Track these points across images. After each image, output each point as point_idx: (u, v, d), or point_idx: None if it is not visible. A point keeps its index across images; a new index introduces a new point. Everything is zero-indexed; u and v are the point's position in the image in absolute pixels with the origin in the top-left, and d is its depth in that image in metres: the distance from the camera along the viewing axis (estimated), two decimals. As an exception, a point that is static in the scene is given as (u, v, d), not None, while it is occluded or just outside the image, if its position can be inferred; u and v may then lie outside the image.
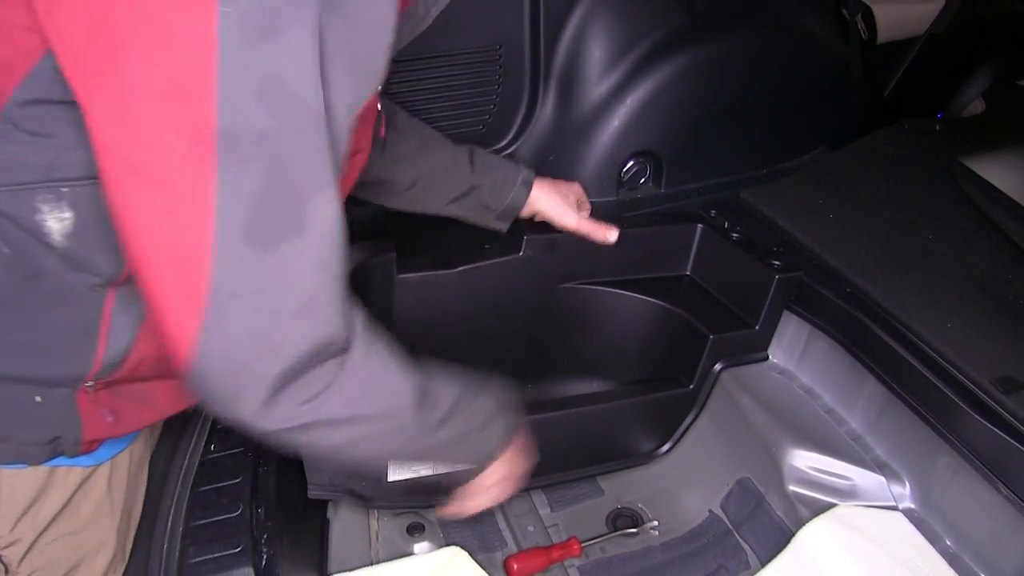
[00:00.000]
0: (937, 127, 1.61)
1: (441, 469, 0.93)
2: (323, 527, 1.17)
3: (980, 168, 1.47)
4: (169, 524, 0.88)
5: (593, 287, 1.43)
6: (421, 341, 1.34)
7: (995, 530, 1.05)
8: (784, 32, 1.55)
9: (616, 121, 1.45)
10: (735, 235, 1.40)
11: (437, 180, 1.24)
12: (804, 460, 1.23)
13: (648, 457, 1.43)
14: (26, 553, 0.92)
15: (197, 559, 0.82)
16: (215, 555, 0.82)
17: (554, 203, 1.30)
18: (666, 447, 1.43)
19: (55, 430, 0.84)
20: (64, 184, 0.72)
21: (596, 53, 1.43)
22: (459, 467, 0.95)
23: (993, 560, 1.06)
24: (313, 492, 1.13)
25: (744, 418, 1.34)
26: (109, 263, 0.78)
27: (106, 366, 0.83)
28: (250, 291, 0.64)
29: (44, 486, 0.90)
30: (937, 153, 1.52)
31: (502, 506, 1.39)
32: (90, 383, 0.84)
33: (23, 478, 0.88)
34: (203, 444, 0.99)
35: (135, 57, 0.58)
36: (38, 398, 0.83)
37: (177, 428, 1.07)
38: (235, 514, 0.86)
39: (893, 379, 1.17)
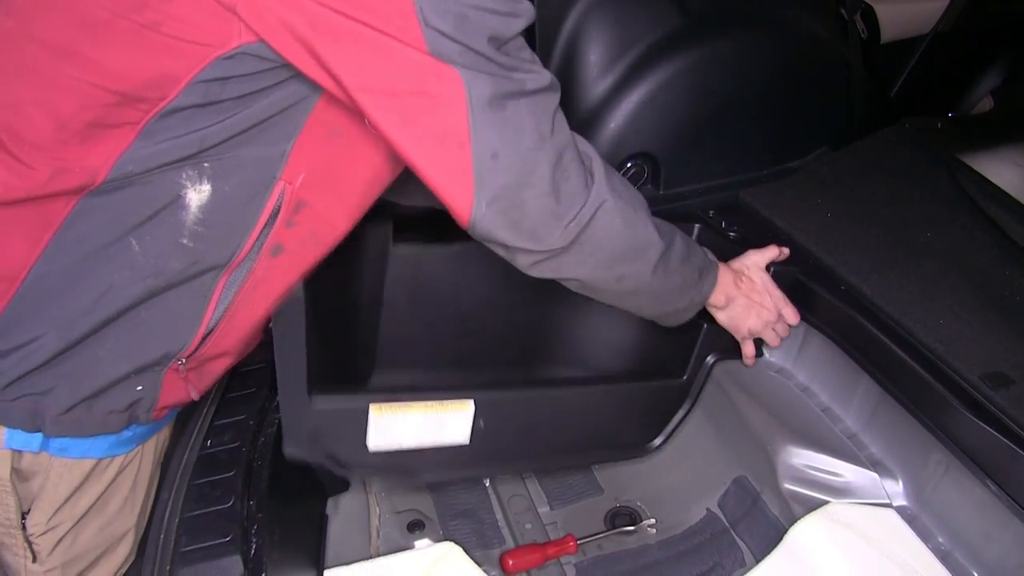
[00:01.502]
0: (939, 125, 1.61)
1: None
2: (321, 522, 1.20)
3: (981, 165, 1.46)
4: (166, 515, 0.92)
5: None
6: (409, 314, 1.38)
7: (986, 526, 1.05)
8: (781, 32, 1.56)
9: (613, 123, 1.47)
10: (732, 234, 1.41)
11: None
12: (799, 458, 1.23)
13: (640, 451, 1.43)
14: (59, 541, 0.97)
15: (189, 547, 0.86)
16: (206, 544, 0.86)
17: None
18: (658, 440, 1.42)
19: (137, 395, 0.92)
20: (207, 158, 0.81)
21: (592, 56, 1.45)
22: (676, 315, 1.13)
23: (984, 556, 1.05)
24: (290, 451, 1.10)
25: (741, 417, 1.34)
26: (232, 240, 0.87)
27: (200, 346, 0.93)
28: (501, 146, 0.81)
29: (87, 478, 0.96)
30: (937, 151, 1.51)
31: (501, 503, 1.41)
32: (182, 360, 0.92)
33: (72, 467, 0.94)
34: (201, 440, 1.02)
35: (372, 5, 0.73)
36: (139, 387, 0.92)
37: (179, 425, 1.11)
38: (226, 506, 0.90)
39: (886, 376, 1.17)
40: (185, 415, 1.15)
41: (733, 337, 1.34)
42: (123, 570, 1.09)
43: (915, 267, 1.27)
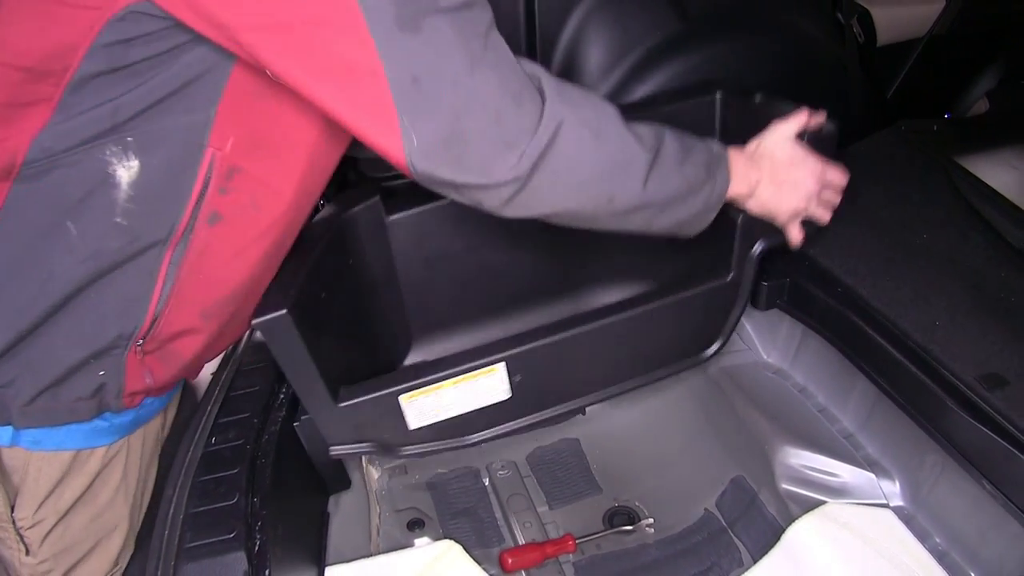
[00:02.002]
0: (935, 127, 1.62)
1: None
2: (323, 521, 1.21)
3: (977, 168, 1.47)
4: (171, 511, 0.92)
5: None
6: (429, 280, 1.34)
7: (981, 526, 1.06)
8: (779, 36, 1.57)
9: (612, 126, 1.48)
10: (758, 97, 1.31)
11: None
12: (797, 458, 1.25)
13: (699, 359, 1.33)
14: (47, 534, 0.99)
15: (194, 543, 0.86)
16: (210, 540, 0.86)
17: None
18: (717, 344, 1.32)
19: (100, 380, 0.92)
20: (130, 132, 0.80)
21: (592, 60, 1.47)
22: (692, 223, 1.03)
23: (980, 555, 1.06)
24: (336, 451, 1.12)
25: (739, 417, 1.36)
26: (169, 214, 0.86)
27: (154, 325, 0.92)
28: (423, 70, 0.74)
29: (67, 470, 0.97)
30: (933, 153, 1.52)
31: (501, 502, 1.42)
32: (140, 342, 0.92)
33: (50, 460, 0.95)
34: (206, 437, 1.03)
35: None
36: (101, 372, 0.92)
37: (184, 422, 1.12)
38: (231, 502, 0.91)
39: (882, 377, 1.18)
40: (189, 412, 1.16)
41: None
42: (120, 562, 1.10)
43: (911, 269, 1.28)
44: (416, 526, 1.36)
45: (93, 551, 1.06)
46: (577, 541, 1.32)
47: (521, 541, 1.34)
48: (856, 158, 1.59)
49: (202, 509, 0.91)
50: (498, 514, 1.41)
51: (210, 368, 1.20)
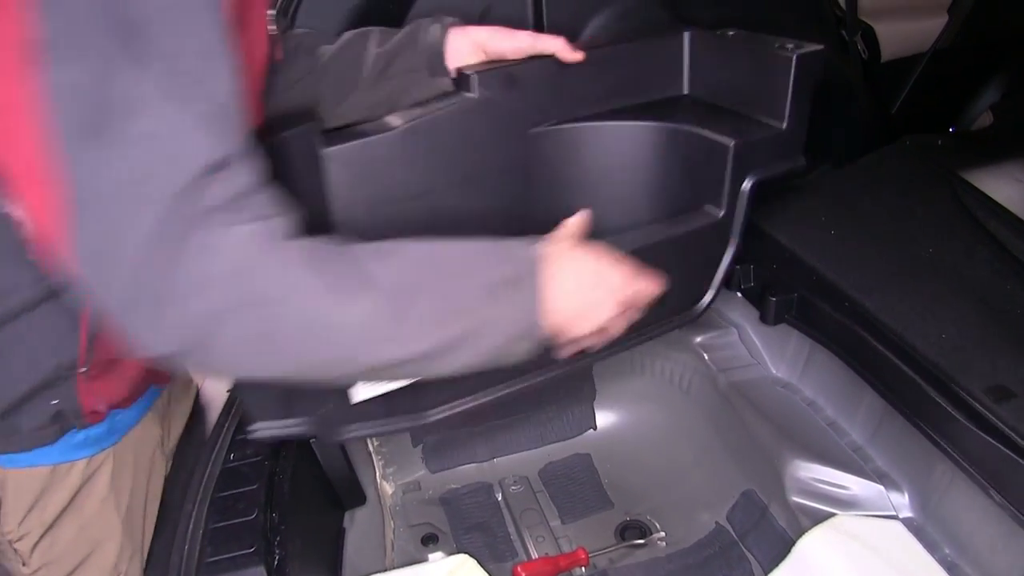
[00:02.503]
0: (939, 141, 1.64)
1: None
2: (338, 535, 1.22)
3: (981, 181, 1.49)
4: (191, 527, 0.95)
5: (571, 125, 1.16)
6: (372, 228, 1.04)
7: (991, 537, 1.06)
8: (783, 54, 1.59)
9: (620, 144, 1.50)
10: (731, 32, 1.20)
11: (351, 75, 1.06)
12: (806, 471, 1.26)
13: (691, 313, 1.22)
14: (35, 545, 1.01)
15: (214, 558, 0.89)
16: (231, 555, 0.88)
17: (494, 30, 1.06)
18: (708, 297, 1.21)
19: (55, 408, 0.93)
20: None
21: (599, 80, 1.49)
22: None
23: (990, 567, 1.07)
24: (259, 431, 0.96)
25: (748, 431, 1.37)
26: None
27: (90, 353, 0.92)
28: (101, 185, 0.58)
29: (47, 484, 0.98)
30: (937, 167, 1.54)
31: (513, 517, 1.44)
32: (83, 369, 0.92)
33: (27, 476, 0.97)
34: (224, 454, 1.05)
35: None
36: (53, 401, 0.92)
37: (199, 440, 1.14)
38: (250, 517, 0.93)
39: (890, 390, 1.19)
40: (205, 429, 1.18)
41: (766, 149, 1.13)
42: (120, 568, 1.10)
43: (917, 282, 1.29)
44: (430, 541, 1.37)
45: (87, 561, 1.07)
46: (590, 555, 1.33)
47: (534, 555, 1.36)
48: (862, 172, 1.61)
49: (222, 524, 0.93)
50: (511, 529, 1.42)
51: (225, 385, 1.22)
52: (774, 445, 1.30)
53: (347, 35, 1.08)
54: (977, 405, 1.07)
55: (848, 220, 1.48)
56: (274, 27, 0.91)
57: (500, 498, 1.49)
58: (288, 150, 0.96)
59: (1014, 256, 1.33)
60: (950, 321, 1.21)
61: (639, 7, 1.49)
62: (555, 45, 1.07)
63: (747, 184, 1.12)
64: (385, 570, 1.15)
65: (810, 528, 1.15)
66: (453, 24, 1.06)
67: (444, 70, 1.05)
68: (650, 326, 1.18)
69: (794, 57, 1.06)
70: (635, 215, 1.21)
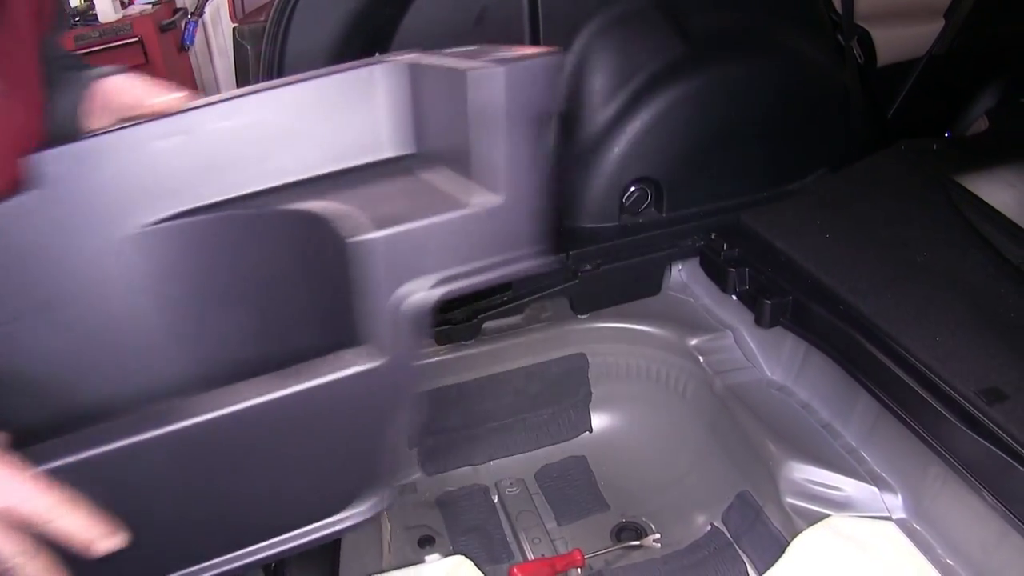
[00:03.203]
0: (935, 146, 1.65)
1: None
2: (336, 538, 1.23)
3: (976, 186, 1.50)
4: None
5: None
6: None
7: (984, 538, 1.07)
8: (779, 59, 1.61)
9: (617, 149, 1.52)
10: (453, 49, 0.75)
11: None
12: (801, 473, 1.26)
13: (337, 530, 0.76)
14: None
15: (211, 559, 0.89)
16: (227, 555, 0.89)
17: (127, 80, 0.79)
18: (367, 506, 0.74)
19: None
20: None
21: (595, 85, 1.51)
22: None
23: (983, 568, 1.07)
24: None
25: (744, 433, 1.38)
26: None
27: None
28: None
29: None
30: (932, 172, 1.55)
31: (510, 519, 1.44)
32: None
33: None
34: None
35: None
36: None
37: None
38: (247, 518, 0.93)
39: (884, 393, 1.20)
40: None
41: None
42: None
43: (912, 286, 1.30)
44: (426, 543, 1.38)
45: None
46: (586, 557, 1.34)
47: (530, 557, 1.36)
48: (857, 177, 1.62)
49: (219, 525, 0.93)
50: (507, 531, 1.43)
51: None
52: (769, 447, 1.31)
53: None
54: (970, 407, 1.08)
55: (843, 224, 1.49)
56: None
57: (496, 500, 1.49)
58: None
59: (1008, 260, 1.34)
60: (944, 324, 1.22)
61: (636, 7, 1.51)
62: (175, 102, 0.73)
63: (407, 305, 0.63)
64: (382, 572, 1.16)
65: (805, 529, 1.16)
66: (101, 77, 0.79)
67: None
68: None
69: (467, 75, 0.60)
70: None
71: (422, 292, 0.64)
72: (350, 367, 0.64)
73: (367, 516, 0.74)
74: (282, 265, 0.75)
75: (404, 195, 0.71)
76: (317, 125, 0.74)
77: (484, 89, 0.60)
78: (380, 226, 0.61)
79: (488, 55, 0.63)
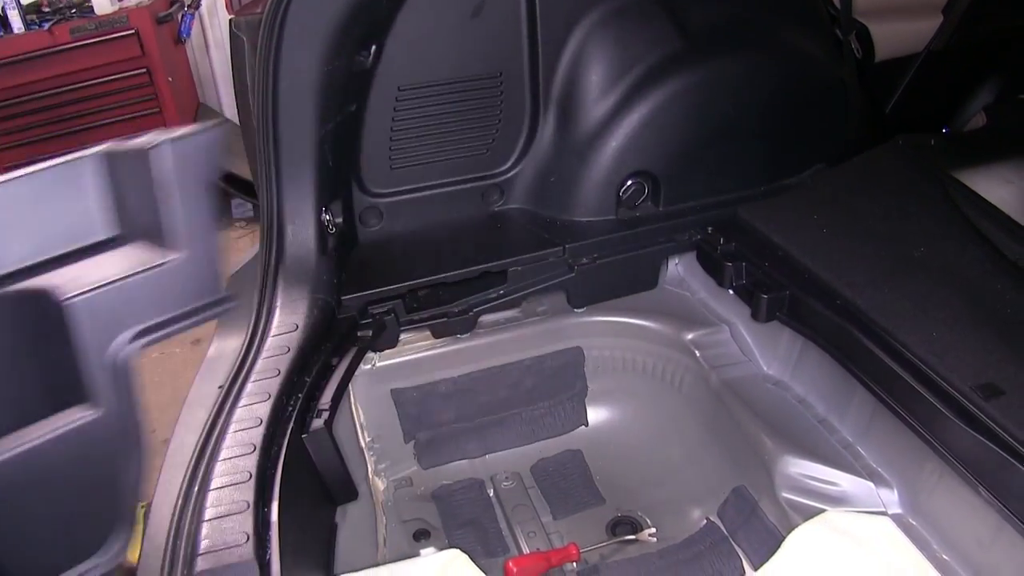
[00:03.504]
0: (932, 141, 1.64)
1: None
2: (331, 531, 1.23)
3: (973, 182, 1.50)
4: (188, 519, 0.94)
5: None
6: None
7: (979, 532, 1.07)
8: (777, 53, 1.60)
9: (614, 142, 1.51)
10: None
11: None
12: (797, 468, 1.26)
13: None
14: None
15: (205, 552, 0.89)
16: (222, 548, 0.88)
17: None
18: None
19: None
20: None
21: (593, 78, 1.50)
22: None
23: (977, 562, 1.08)
24: None
25: (740, 428, 1.37)
26: None
27: None
28: None
29: None
30: (929, 167, 1.55)
31: (505, 513, 1.44)
32: None
33: None
34: (220, 449, 1.05)
35: None
36: None
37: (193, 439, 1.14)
38: (243, 512, 0.93)
39: (880, 388, 1.20)
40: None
41: None
42: None
43: (909, 281, 1.30)
44: (422, 536, 1.38)
45: None
46: (581, 550, 1.33)
47: (526, 550, 1.36)
48: (855, 172, 1.62)
49: (214, 518, 0.93)
50: (503, 524, 1.43)
51: (217, 382, 1.22)
52: (765, 442, 1.31)
53: None
54: (967, 403, 1.08)
55: (840, 219, 1.49)
56: None
57: (492, 494, 1.49)
58: None
59: (1004, 256, 1.34)
60: (940, 320, 1.22)
61: (634, 6, 1.50)
62: None
63: (119, 358, 0.71)
64: (377, 565, 1.15)
65: (800, 524, 1.16)
66: None
67: None
68: None
69: (149, 153, 0.73)
70: None
71: (128, 345, 0.76)
72: (69, 423, 0.74)
73: (108, 568, 0.85)
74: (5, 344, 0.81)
75: (109, 265, 0.80)
76: (27, 218, 0.81)
77: (163, 160, 0.74)
78: (89, 286, 0.72)
79: (165, 134, 0.77)
